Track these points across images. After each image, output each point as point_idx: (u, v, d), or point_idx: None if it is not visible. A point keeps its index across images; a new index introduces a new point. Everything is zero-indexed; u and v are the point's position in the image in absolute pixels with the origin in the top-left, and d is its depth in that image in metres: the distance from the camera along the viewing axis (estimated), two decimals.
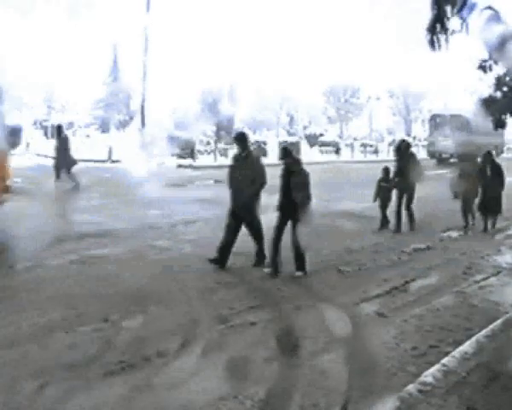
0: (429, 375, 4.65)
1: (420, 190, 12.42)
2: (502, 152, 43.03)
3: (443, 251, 10.41)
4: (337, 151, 43.66)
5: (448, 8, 8.88)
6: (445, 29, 8.91)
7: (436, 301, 7.16)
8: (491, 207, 12.53)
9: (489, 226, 12.61)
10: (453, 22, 9.02)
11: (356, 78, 65.36)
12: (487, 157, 12.91)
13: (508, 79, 15.76)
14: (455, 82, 60.21)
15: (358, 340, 5.85)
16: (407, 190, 12.13)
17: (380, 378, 4.91)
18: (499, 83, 15.89)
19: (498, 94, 15.72)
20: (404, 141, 13.75)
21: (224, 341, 5.67)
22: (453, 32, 9.09)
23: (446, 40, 8.98)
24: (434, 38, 8.79)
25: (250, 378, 4.86)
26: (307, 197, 8.16)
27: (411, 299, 7.29)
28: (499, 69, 15.41)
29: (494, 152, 34.73)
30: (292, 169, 8.25)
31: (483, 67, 16.11)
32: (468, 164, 12.89)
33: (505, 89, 15.68)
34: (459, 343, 5.44)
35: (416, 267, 8.92)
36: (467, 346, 5.33)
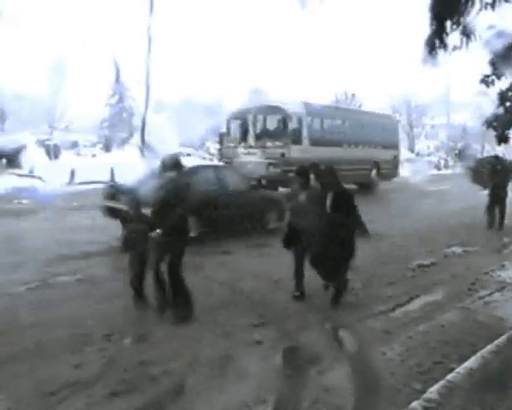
0: (434, 391, 4.65)
1: None
2: (394, 175, 27.53)
3: None
4: None
5: (448, 24, 8.81)
6: (444, 45, 8.82)
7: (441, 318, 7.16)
8: (325, 265, 7.22)
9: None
10: (453, 38, 8.95)
11: (358, 94, 65.68)
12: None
13: (510, 94, 15.79)
14: (457, 95, 60.45)
15: (364, 357, 5.85)
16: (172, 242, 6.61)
17: (385, 395, 4.91)
18: (502, 98, 15.92)
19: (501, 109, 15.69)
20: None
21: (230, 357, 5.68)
22: (455, 47, 9.03)
23: (445, 55, 8.88)
24: (433, 53, 8.72)
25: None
26: None
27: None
28: (501, 84, 15.43)
29: (374, 171, 24.66)
30: None
31: (485, 82, 16.15)
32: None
33: (508, 104, 15.71)
34: (464, 359, 5.43)
35: None
36: (472, 361, 5.32)
